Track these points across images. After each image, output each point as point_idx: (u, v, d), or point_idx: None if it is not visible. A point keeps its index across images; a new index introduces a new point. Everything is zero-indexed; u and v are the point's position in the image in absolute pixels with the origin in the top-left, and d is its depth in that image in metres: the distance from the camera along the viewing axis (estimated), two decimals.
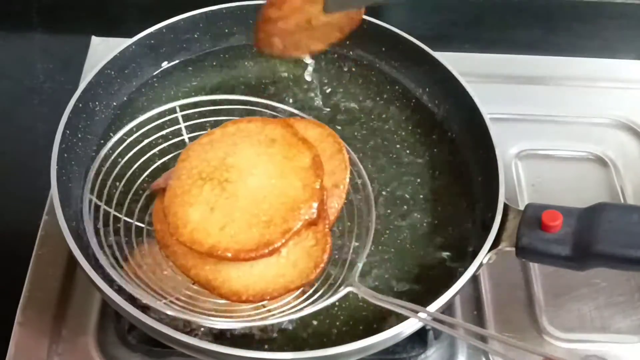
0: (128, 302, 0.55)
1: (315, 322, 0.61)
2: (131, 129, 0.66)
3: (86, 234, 0.59)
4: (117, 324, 0.65)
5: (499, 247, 0.60)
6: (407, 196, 0.70)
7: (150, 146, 0.67)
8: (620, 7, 1.02)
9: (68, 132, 0.66)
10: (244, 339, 0.60)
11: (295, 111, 0.70)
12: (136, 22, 0.77)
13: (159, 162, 0.67)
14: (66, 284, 0.67)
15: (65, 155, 0.65)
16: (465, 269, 0.59)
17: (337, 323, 0.62)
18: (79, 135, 0.69)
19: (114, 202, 0.64)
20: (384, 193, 0.70)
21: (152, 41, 0.75)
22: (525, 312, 0.68)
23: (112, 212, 0.63)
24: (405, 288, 0.64)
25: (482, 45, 0.94)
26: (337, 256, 0.62)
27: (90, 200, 0.61)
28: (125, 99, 0.75)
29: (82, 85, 0.69)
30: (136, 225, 0.63)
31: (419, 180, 0.71)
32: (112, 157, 0.65)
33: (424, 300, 0.57)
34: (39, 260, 0.68)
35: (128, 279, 0.58)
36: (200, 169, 0.59)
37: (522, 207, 0.61)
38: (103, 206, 0.63)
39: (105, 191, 0.64)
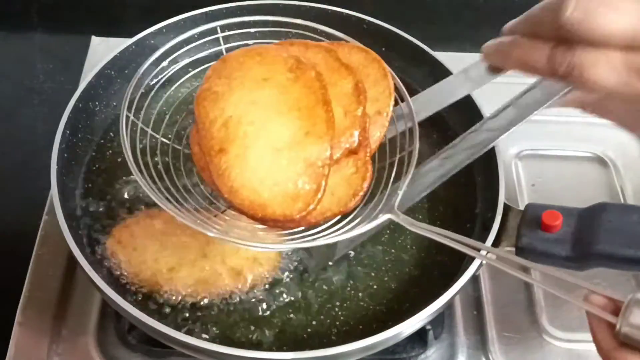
0: (128, 302, 0.55)
1: (315, 322, 0.61)
2: (170, 50, 0.63)
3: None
4: (117, 324, 0.65)
5: (499, 247, 0.60)
6: None
7: (188, 69, 0.66)
8: None
9: (68, 132, 0.66)
10: (245, 339, 0.60)
11: (341, 35, 0.63)
12: (136, 22, 0.77)
13: (197, 85, 0.64)
14: (66, 284, 0.67)
15: (65, 155, 0.65)
16: (466, 269, 0.59)
17: (337, 323, 0.62)
18: (79, 135, 0.69)
19: (151, 123, 0.61)
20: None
21: (152, 41, 0.75)
22: (525, 312, 0.68)
23: (149, 131, 0.60)
24: (405, 287, 0.64)
25: (482, 45, 0.94)
26: (377, 183, 0.58)
27: (128, 118, 0.57)
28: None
29: (82, 85, 0.69)
30: (173, 147, 0.62)
31: None
32: (149, 78, 0.62)
33: (424, 300, 0.57)
34: (39, 260, 0.68)
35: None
36: (237, 93, 0.55)
37: (522, 207, 0.61)
38: (140, 124, 0.59)
39: (142, 112, 0.60)
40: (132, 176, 0.64)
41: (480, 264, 0.59)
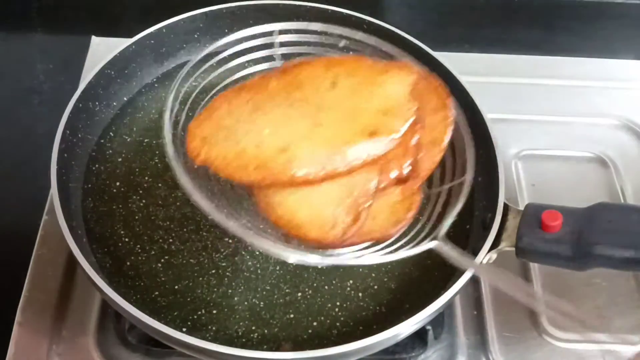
0: (128, 302, 0.55)
1: (315, 323, 0.61)
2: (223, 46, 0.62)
3: None
4: (117, 324, 0.65)
5: (499, 247, 0.60)
6: None
7: (238, 68, 0.64)
8: (620, 7, 1.02)
9: (68, 132, 0.66)
10: (244, 339, 0.60)
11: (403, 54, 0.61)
12: (136, 22, 0.77)
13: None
14: (66, 284, 0.67)
15: (65, 155, 0.65)
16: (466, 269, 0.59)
17: (337, 323, 0.62)
18: (79, 135, 0.69)
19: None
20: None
21: (152, 41, 0.75)
22: (525, 312, 0.68)
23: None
24: (405, 287, 0.64)
25: (482, 45, 0.94)
26: (424, 208, 0.56)
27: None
28: (125, 99, 0.75)
29: (82, 85, 0.69)
30: None
31: None
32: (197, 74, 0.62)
33: (424, 300, 0.57)
34: (39, 260, 0.68)
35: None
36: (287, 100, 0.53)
37: (522, 207, 0.61)
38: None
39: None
40: (131, 176, 0.65)
41: (480, 264, 0.59)
